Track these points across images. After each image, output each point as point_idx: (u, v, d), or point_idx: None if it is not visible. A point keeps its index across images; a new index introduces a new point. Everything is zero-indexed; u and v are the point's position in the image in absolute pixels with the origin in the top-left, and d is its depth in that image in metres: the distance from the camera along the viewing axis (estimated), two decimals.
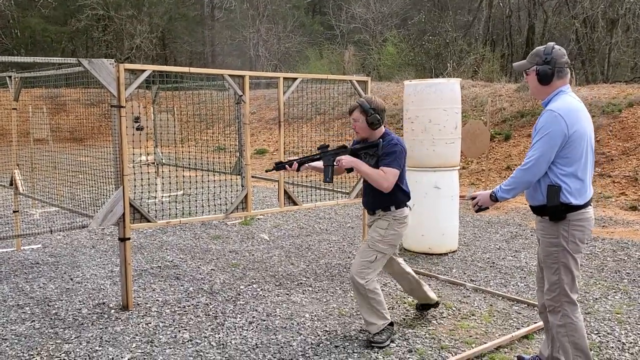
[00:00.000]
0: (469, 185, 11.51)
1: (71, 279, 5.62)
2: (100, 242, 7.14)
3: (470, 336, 4.22)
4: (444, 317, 4.60)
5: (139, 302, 4.93)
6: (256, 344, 4.04)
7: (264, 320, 4.51)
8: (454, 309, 4.79)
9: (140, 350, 3.97)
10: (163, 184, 10.07)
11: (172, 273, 5.84)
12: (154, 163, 10.06)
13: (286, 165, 4.22)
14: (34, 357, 3.87)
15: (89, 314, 4.69)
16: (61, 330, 4.35)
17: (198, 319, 4.55)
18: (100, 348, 4.01)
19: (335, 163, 4.08)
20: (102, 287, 5.38)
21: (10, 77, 6.71)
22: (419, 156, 6.47)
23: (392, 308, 4.80)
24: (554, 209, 3.22)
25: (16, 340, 4.15)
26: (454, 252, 6.61)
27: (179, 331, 4.31)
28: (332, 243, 7.06)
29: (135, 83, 4.71)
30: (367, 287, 3.99)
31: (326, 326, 4.41)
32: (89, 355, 3.89)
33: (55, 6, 31.57)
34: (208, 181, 6.88)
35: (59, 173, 7.19)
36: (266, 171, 4.54)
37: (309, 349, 4.00)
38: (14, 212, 6.84)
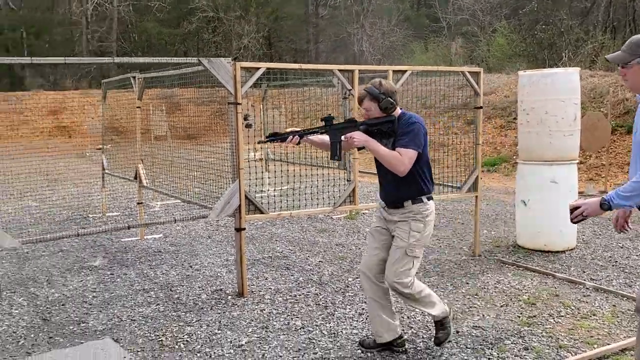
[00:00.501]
0: (587, 181, 10.87)
1: (190, 267, 5.95)
2: (216, 233, 7.50)
3: (592, 336, 4.00)
4: (562, 316, 4.39)
5: (253, 290, 5.13)
6: (367, 335, 4.06)
7: None
8: (572, 307, 4.56)
9: (256, 335, 4.14)
10: (269, 178, 10.38)
11: (283, 263, 6.02)
12: (262, 159, 10.39)
13: (286, 137, 3.61)
14: (159, 338, 4.15)
15: (208, 299, 4.95)
16: (183, 313, 4.62)
17: (309, 308, 4.66)
18: (220, 331, 4.23)
19: (343, 139, 3.60)
20: (218, 274, 5.65)
21: (134, 77, 7.21)
22: (535, 148, 6.21)
23: (506, 305, 4.65)
24: None
25: (144, 322, 4.46)
26: (571, 249, 6.28)
27: (292, 319, 4.43)
28: (441, 239, 6.95)
29: (250, 80, 4.89)
30: (415, 292, 3.65)
31: None
32: (209, 338, 4.12)
33: (169, 10, 33.41)
34: (312, 175, 7.00)
35: (176, 168, 7.63)
36: (258, 142, 3.99)
37: (420, 342, 3.97)
38: (138, 204, 7.35)
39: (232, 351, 3.90)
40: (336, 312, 4.55)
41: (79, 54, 31.32)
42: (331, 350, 3.87)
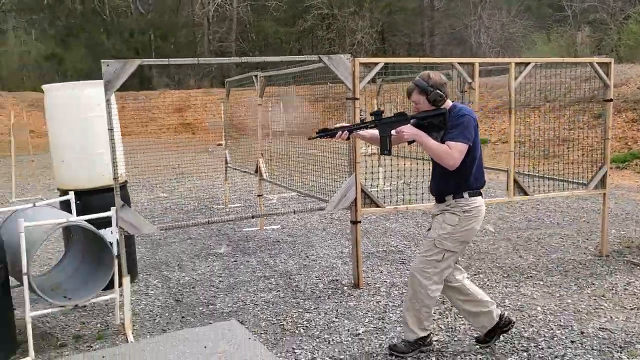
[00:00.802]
0: None
1: (307, 257, 6.16)
2: (330, 226, 7.67)
3: None
4: None
5: (369, 282, 5.22)
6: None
7: None
8: None
9: (372, 326, 4.23)
10: (383, 172, 10.42)
11: (397, 258, 6.05)
12: (376, 153, 10.45)
13: (335, 133, 3.63)
14: (281, 322, 4.36)
15: (325, 288, 5.11)
16: (302, 300, 4.81)
17: None
18: (337, 320, 4.36)
19: (394, 133, 3.57)
20: (334, 265, 5.80)
21: (256, 76, 7.55)
22: None
23: (638, 308, 4.38)
24: None
25: (265, 306, 4.70)
26: None
27: None
28: (564, 237, 6.64)
29: (368, 76, 4.97)
30: (429, 289, 3.55)
31: (560, 321, 4.20)
32: (327, 325, 4.26)
33: (285, 9, 34.37)
34: (424, 170, 6.95)
35: (294, 162, 7.90)
36: (309, 139, 3.86)
37: (541, 340, 3.86)
38: (258, 196, 7.69)
39: (349, 339, 4.01)
40: (453, 308, 4.52)
41: (201, 54, 33.11)
42: (448, 344, 3.87)
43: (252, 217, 5.57)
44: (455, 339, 3.96)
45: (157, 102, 25.96)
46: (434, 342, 3.86)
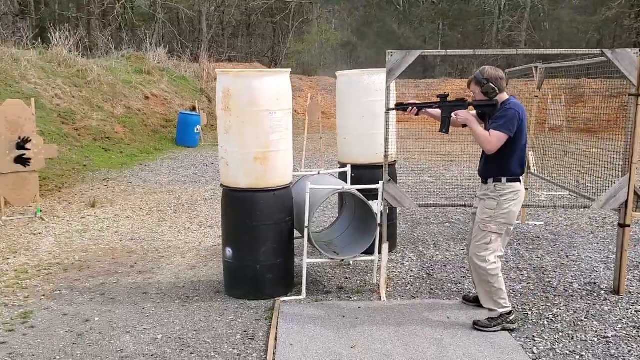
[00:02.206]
0: None
1: (567, 256, 5.96)
2: (600, 230, 7.21)
3: None
4: None
5: (631, 291, 4.88)
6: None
7: None
8: None
9: (625, 332, 4.03)
10: None
11: None
12: None
13: (407, 108, 4.22)
14: (526, 312, 4.42)
15: (579, 289, 4.95)
16: (551, 296, 4.76)
17: None
18: (586, 320, 4.25)
19: (452, 115, 4.07)
20: (595, 269, 5.53)
21: (536, 67, 7.42)
22: None
23: None
24: None
25: (513, 295, 4.78)
26: None
27: None
28: None
29: None
30: (488, 269, 3.92)
31: None
32: (574, 323, 4.20)
33: None
34: None
35: (569, 159, 7.57)
36: (387, 110, 4.51)
37: None
38: (525, 189, 7.59)
39: (595, 339, 3.91)
40: None
41: (487, 44, 32.70)
42: None
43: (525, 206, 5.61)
44: None
45: (438, 90, 26.55)
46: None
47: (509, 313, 4.05)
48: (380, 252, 4.84)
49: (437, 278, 5.25)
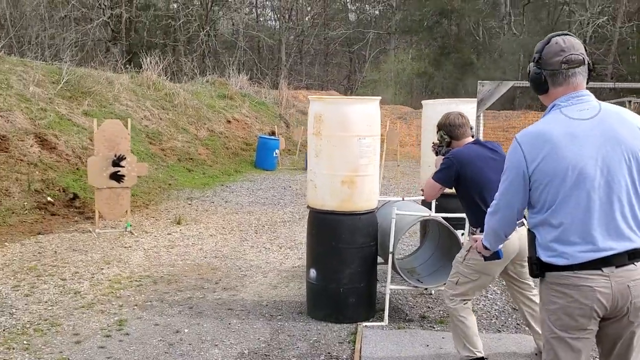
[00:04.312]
0: None
1: None
2: None
3: None
4: None
5: None
6: None
7: None
8: None
9: None
10: None
11: None
12: None
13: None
14: None
15: None
16: None
17: None
18: None
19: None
20: None
21: (629, 101, 7.21)
22: None
23: None
24: (529, 263, 2.40)
25: None
26: None
27: None
28: None
29: None
30: (451, 309, 3.76)
31: None
32: None
33: None
34: None
35: None
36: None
37: None
38: None
39: None
40: None
41: None
42: None
43: None
44: None
45: (517, 122, 26.02)
46: None
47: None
48: None
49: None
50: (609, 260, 2.20)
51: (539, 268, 2.34)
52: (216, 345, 4.31)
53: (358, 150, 4.61)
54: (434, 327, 4.72)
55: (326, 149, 4.65)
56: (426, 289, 5.06)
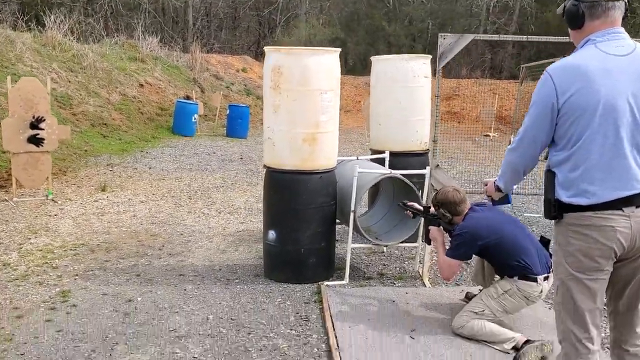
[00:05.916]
0: None
1: None
2: None
3: None
4: None
5: None
6: None
7: None
8: None
9: None
10: None
11: None
12: None
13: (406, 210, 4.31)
14: None
15: None
16: None
17: None
18: None
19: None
20: None
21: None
22: None
23: None
24: (546, 204, 2.35)
25: None
26: None
27: None
28: None
29: None
30: (467, 329, 3.60)
31: None
32: None
33: None
34: None
35: None
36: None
37: None
38: None
39: None
40: None
41: (474, 44, 32.90)
42: None
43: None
44: None
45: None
46: None
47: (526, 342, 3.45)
48: (423, 240, 4.76)
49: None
50: (631, 199, 2.20)
51: (557, 209, 2.30)
52: (176, 312, 4.06)
53: (320, 105, 4.44)
54: (394, 284, 4.71)
55: (285, 104, 4.43)
56: (387, 246, 5.03)
